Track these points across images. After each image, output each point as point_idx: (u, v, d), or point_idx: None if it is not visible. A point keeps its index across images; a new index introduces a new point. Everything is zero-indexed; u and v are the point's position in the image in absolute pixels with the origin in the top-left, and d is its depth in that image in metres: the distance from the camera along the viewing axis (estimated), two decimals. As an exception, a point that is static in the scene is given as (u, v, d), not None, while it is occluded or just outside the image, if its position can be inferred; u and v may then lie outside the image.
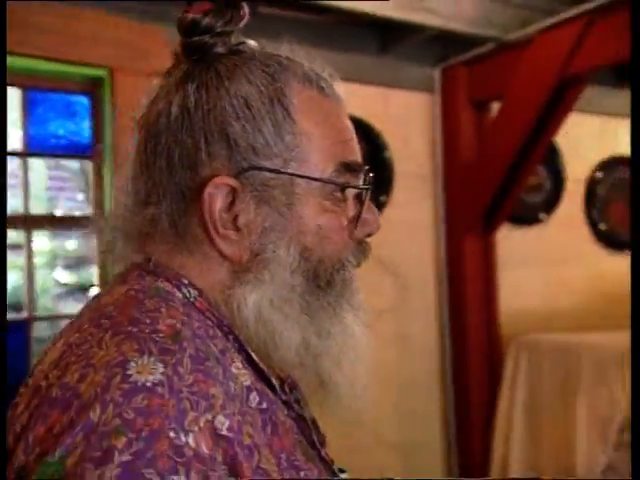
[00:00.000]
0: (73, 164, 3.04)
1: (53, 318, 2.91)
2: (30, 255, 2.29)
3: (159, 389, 0.52)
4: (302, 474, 0.60)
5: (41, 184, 3.06)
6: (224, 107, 0.65)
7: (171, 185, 0.66)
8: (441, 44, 2.90)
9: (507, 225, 3.11)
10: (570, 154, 3.38)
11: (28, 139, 2.32)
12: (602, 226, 3.48)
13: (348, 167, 0.68)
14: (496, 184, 2.76)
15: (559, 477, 2.49)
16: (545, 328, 3.10)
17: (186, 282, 0.65)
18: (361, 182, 0.71)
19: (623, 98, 3.45)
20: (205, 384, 0.54)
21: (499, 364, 2.91)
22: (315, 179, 0.66)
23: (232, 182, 0.64)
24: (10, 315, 2.44)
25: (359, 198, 0.70)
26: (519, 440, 2.72)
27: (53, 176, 3.14)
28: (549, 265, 3.31)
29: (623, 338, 2.85)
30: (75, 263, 3.34)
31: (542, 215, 3.31)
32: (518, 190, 2.85)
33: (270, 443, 0.59)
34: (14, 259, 2.50)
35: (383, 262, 2.75)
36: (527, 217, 3.24)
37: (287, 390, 0.71)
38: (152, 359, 0.54)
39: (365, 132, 2.76)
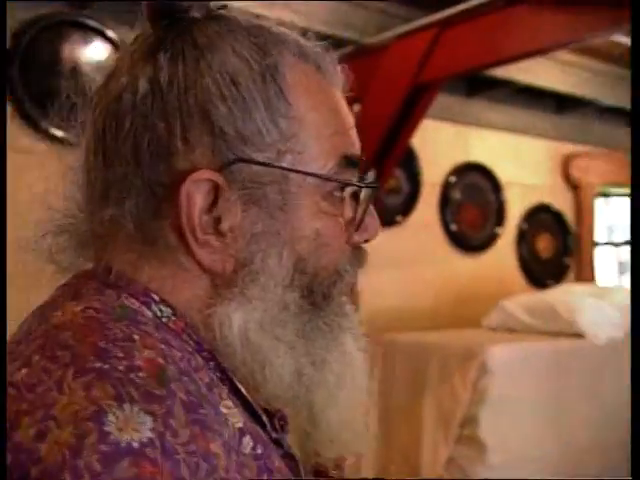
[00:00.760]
0: None
1: None
2: None
3: (149, 451, 0.40)
4: None
5: None
6: (206, 84, 0.53)
7: (137, 179, 0.53)
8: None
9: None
10: (427, 159, 3.50)
11: None
12: (453, 228, 3.63)
13: (350, 162, 0.57)
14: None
15: (404, 477, 2.56)
16: (403, 327, 3.18)
17: (157, 298, 0.54)
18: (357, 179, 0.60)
19: (475, 107, 3.63)
20: (204, 440, 0.43)
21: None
22: (317, 175, 0.55)
23: (215, 177, 0.53)
24: None
25: (355, 197, 0.59)
26: (372, 440, 2.77)
27: None
28: (406, 266, 3.41)
29: (468, 335, 3.00)
30: None
31: (399, 217, 3.40)
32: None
33: None
34: None
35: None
36: (386, 219, 3.32)
37: (277, 426, 0.60)
38: (135, 409, 0.42)
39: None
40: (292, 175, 0.55)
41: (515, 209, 3.87)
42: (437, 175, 3.59)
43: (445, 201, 3.61)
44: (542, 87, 3.48)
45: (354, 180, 0.58)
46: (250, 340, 0.54)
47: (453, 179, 3.64)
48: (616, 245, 4.71)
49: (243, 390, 0.54)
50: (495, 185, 3.78)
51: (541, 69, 3.32)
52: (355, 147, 0.59)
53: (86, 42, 2.50)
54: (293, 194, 0.55)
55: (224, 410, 0.50)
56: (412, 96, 2.61)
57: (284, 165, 0.54)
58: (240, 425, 0.50)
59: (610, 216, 4.75)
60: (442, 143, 3.59)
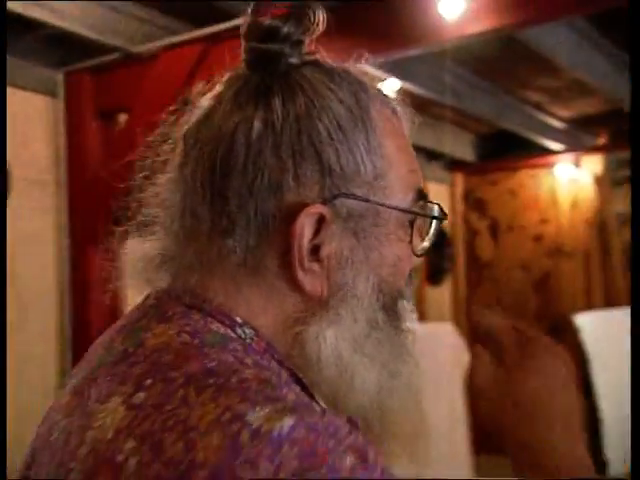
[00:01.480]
0: None
1: None
2: None
3: (299, 431, 0.45)
4: None
5: None
6: (317, 128, 0.59)
7: (249, 211, 0.58)
8: (65, 47, 2.78)
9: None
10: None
11: None
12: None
13: (420, 195, 0.65)
14: (120, 196, 2.74)
15: None
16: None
17: (240, 321, 0.59)
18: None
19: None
20: (334, 417, 0.48)
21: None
22: (406, 210, 0.63)
23: (325, 211, 0.59)
24: None
25: (413, 224, 0.66)
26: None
27: None
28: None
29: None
30: None
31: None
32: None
33: None
34: None
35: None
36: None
37: None
38: (267, 409, 0.46)
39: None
40: (381, 208, 0.62)
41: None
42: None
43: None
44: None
45: (428, 212, 0.67)
46: (342, 356, 0.60)
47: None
48: None
49: (322, 403, 0.60)
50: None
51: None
52: (422, 182, 0.68)
53: None
54: (382, 226, 0.62)
55: None
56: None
57: (377, 200, 0.62)
58: None
59: None
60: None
